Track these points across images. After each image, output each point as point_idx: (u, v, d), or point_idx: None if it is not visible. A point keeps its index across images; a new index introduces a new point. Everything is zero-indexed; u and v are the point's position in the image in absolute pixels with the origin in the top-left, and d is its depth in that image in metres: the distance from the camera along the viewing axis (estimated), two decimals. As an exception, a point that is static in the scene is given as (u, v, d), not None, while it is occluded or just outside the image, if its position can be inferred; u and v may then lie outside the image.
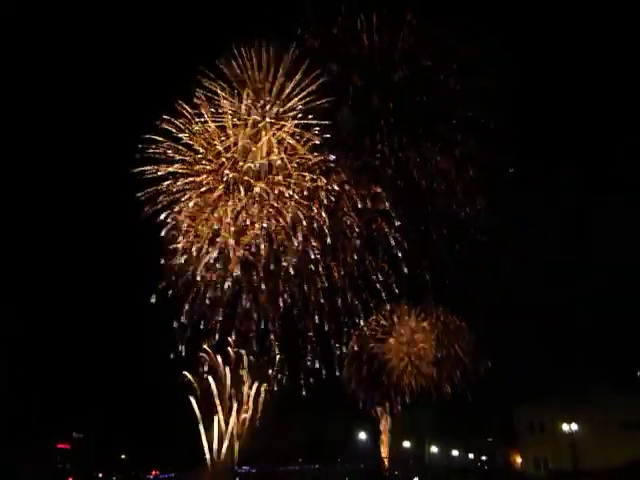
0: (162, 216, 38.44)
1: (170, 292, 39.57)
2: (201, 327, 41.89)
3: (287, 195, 37.28)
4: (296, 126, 36.35)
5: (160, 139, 38.18)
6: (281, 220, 38.16)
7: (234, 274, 39.05)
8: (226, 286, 39.48)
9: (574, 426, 51.71)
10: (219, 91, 36.83)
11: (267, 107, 36.55)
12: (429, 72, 39.04)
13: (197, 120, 37.88)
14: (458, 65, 38.83)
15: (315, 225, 37.82)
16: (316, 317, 42.77)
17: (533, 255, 52.44)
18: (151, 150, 38.09)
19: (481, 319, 54.53)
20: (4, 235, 57.16)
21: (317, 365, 44.94)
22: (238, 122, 36.97)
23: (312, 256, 38.60)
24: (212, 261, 39.37)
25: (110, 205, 56.60)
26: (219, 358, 47.34)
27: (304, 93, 36.62)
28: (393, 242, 39.75)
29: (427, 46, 38.45)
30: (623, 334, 56.53)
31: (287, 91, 37.18)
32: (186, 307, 40.25)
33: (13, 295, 58.79)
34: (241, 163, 37.05)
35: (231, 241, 38.59)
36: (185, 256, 39.42)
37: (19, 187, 62.14)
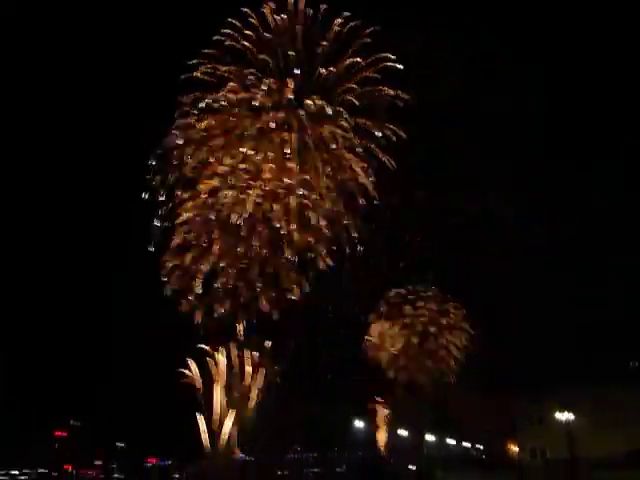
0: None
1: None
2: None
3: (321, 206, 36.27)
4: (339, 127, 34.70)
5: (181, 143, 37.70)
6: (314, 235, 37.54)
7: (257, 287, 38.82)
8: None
9: (570, 416, 53.20)
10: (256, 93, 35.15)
11: (308, 103, 34.25)
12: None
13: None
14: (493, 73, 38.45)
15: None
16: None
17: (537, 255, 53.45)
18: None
19: (482, 311, 55.68)
20: (15, 234, 57.20)
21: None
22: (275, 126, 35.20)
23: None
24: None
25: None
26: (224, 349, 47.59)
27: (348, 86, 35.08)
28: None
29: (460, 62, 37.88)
30: (618, 326, 57.98)
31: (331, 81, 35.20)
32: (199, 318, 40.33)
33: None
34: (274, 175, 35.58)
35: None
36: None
37: (21, 187, 62.11)
